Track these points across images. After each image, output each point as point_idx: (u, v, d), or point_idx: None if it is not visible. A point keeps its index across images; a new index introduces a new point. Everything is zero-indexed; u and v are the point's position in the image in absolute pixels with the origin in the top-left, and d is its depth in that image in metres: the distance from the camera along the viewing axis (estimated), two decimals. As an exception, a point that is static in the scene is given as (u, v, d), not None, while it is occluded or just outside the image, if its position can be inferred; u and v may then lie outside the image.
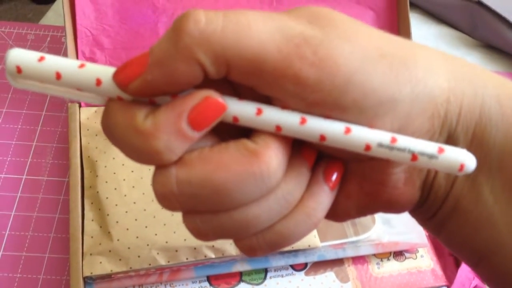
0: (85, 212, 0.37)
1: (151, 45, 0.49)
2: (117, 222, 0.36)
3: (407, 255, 0.39)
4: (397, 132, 0.18)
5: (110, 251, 0.35)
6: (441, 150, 0.17)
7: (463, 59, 0.21)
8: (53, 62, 0.17)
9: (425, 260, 0.39)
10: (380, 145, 0.17)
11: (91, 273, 0.34)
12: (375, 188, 0.20)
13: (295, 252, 0.37)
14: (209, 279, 0.36)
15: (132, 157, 0.18)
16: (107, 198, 0.37)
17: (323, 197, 0.19)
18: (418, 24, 0.58)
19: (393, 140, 0.17)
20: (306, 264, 0.38)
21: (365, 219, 0.39)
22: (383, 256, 0.39)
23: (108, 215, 0.36)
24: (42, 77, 0.17)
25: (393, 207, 0.20)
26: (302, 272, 0.38)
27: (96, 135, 0.41)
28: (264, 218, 0.18)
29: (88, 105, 0.43)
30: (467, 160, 0.17)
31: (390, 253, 0.39)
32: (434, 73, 0.18)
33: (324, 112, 0.17)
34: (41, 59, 0.17)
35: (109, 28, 0.44)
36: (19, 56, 0.17)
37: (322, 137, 0.17)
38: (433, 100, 0.18)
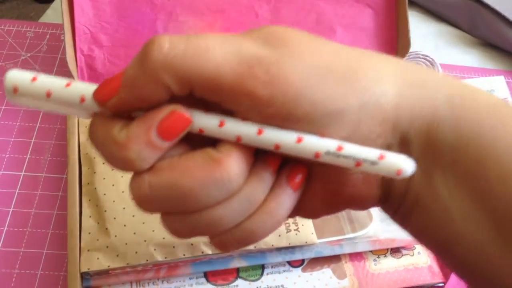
0: (83, 208, 0.37)
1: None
2: (114, 218, 0.36)
3: (404, 251, 0.39)
4: (347, 138, 0.19)
5: (107, 247, 0.35)
6: (381, 157, 0.19)
7: (413, 64, 0.22)
8: (44, 82, 0.20)
9: (422, 256, 0.39)
10: (328, 153, 0.19)
11: (88, 268, 0.34)
12: (337, 188, 0.22)
13: (292, 248, 0.37)
14: (206, 275, 0.37)
15: (111, 164, 0.20)
16: (104, 194, 0.37)
17: (285, 198, 0.21)
18: (418, 22, 0.57)
19: (339, 148, 0.19)
20: (303, 261, 0.38)
21: (362, 216, 0.39)
22: (380, 252, 0.39)
23: (105, 211, 0.37)
24: (35, 95, 0.20)
25: (356, 204, 0.23)
26: (299, 269, 0.38)
27: None
28: (229, 218, 0.20)
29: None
30: (404, 165, 0.19)
31: (387, 249, 0.39)
32: (382, 82, 0.20)
33: (279, 123, 0.19)
34: (34, 79, 0.20)
35: (107, 25, 0.44)
36: (15, 77, 0.20)
37: (277, 146, 0.19)
38: (382, 107, 0.20)
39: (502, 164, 0.19)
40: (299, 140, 0.19)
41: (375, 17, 0.47)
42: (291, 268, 0.38)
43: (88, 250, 0.35)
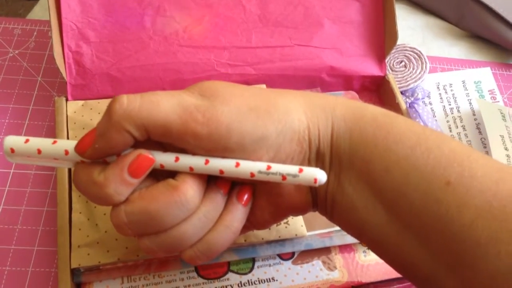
0: (73, 204, 0.37)
1: (138, 37, 0.48)
2: (104, 214, 0.36)
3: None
4: (274, 158, 0.26)
5: (98, 242, 0.35)
6: (300, 170, 0.25)
7: (318, 93, 0.31)
8: (35, 142, 0.25)
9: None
10: (260, 172, 0.25)
11: (79, 264, 0.34)
12: (278, 199, 0.28)
13: (282, 241, 0.37)
14: (197, 269, 0.37)
15: (94, 201, 0.26)
16: None
17: (237, 212, 0.27)
18: (405, 15, 0.58)
19: (268, 167, 0.25)
20: (293, 253, 0.38)
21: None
22: (369, 244, 0.39)
23: (95, 207, 0.37)
24: (29, 153, 0.25)
25: (296, 210, 0.29)
26: (290, 261, 0.38)
27: (83, 128, 0.41)
28: (191, 233, 0.26)
29: (76, 98, 0.43)
30: (318, 175, 0.25)
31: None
32: (293, 112, 0.26)
33: (220, 154, 0.25)
34: (26, 141, 0.25)
35: (94, 21, 0.44)
36: (11, 141, 0.25)
37: (221, 171, 0.25)
38: (296, 130, 0.26)
39: (383, 158, 0.25)
40: (237, 165, 0.25)
41: (362, 10, 0.47)
42: (282, 261, 0.38)
43: (79, 246, 0.35)
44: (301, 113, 0.26)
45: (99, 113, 0.41)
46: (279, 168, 0.25)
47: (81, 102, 0.42)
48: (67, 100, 0.42)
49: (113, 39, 0.44)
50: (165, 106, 0.24)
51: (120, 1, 0.44)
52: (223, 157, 0.25)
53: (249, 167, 0.25)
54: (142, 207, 0.25)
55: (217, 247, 0.27)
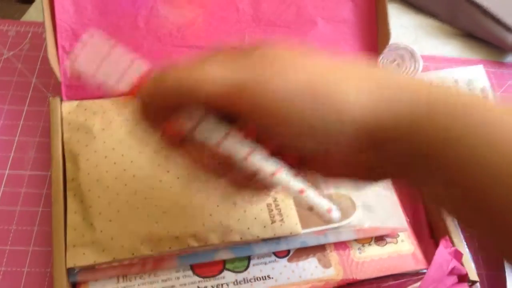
0: (68, 204, 0.37)
1: (132, 38, 0.48)
2: (100, 213, 0.36)
3: (388, 239, 0.40)
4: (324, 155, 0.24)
5: (93, 242, 0.35)
6: (329, 211, 0.26)
7: (389, 74, 0.24)
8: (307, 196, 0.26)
9: (405, 244, 0.39)
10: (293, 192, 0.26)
11: (74, 264, 0.34)
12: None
13: (278, 239, 0.38)
14: (192, 268, 0.37)
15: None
16: (89, 190, 0.37)
17: None
18: (398, 14, 0.58)
19: (301, 191, 0.26)
20: (288, 251, 0.38)
21: (346, 205, 0.40)
22: (364, 241, 0.39)
23: (90, 207, 0.37)
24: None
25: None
26: (285, 259, 0.38)
27: (78, 129, 0.41)
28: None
29: (70, 99, 0.43)
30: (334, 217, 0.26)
31: (371, 238, 0.39)
32: (358, 99, 0.22)
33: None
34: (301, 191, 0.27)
35: (88, 22, 0.44)
36: None
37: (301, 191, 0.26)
38: (358, 123, 0.22)
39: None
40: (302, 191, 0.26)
41: (355, 9, 0.47)
42: (277, 259, 0.38)
43: (74, 246, 0.35)
44: (366, 101, 0.22)
45: (94, 113, 0.41)
46: (310, 197, 0.26)
47: (75, 103, 0.42)
48: (61, 100, 0.42)
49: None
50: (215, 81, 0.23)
51: (114, 2, 0.44)
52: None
53: (312, 199, 0.26)
54: None
55: None
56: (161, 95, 0.24)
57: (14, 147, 0.43)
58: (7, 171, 0.41)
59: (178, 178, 0.39)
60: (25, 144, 0.43)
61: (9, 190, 0.40)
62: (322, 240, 0.38)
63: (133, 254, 0.35)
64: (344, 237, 0.39)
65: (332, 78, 0.22)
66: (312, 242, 0.38)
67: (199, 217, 0.37)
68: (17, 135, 0.43)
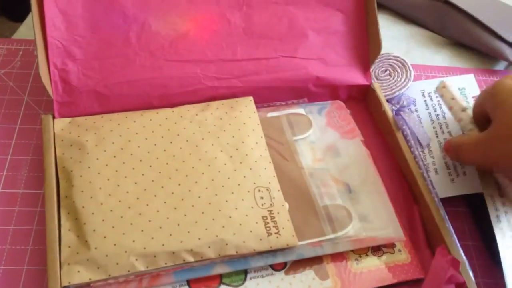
0: (62, 222, 0.37)
1: (124, 53, 0.49)
2: (94, 230, 0.36)
3: (384, 250, 0.39)
4: None
5: (88, 259, 0.35)
6: None
7: None
8: None
9: (402, 254, 0.39)
10: None
11: (69, 282, 0.34)
12: None
13: (274, 252, 0.37)
14: (189, 283, 0.36)
15: None
16: (83, 207, 0.37)
17: None
18: (389, 25, 0.59)
19: None
20: (285, 264, 0.38)
21: (342, 216, 0.40)
22: (361, 252, 0.39)
23: (84, 224, 0.36)
24: None
25: None
26: (282, 272, 0.38)
27: (71, 145, 0.40)
28: None
29: (62, 115, 0.43)
30: None
31: (368, 248, 0.39)
32: None
33: None
34: None
35: (80, 38, 0.44)
36: None
37: None
38: None
39: None
40: None
41: (346, 21, 0.48)
42: (274, 272, 0.38)
43: (69, 264, 0.35)
44: None
45: (86, 130, 0.41)
46: None
47: (68, 120, 0.42)
48: (54, 118, 0.42)
49: (99, 55, 0.44)
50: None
51: (105, 18, 0.45)
52: None
53: None
54: None
55: None
56: None
57: (6, 166, 0.42)
58: (0, 190, 0.41)
59: (172, 193, 0.38)
60: (18, 162, 0.43)
61: (2, 209, 0.40)
62: (319, 252, 0.38)
63: (128, 271, 0.35)
64: (341, 248, 0.38)
65: None
66: (309, 254, 0.38)
67: (194, 232, 0.37)
68: (10, 154, 0.43)
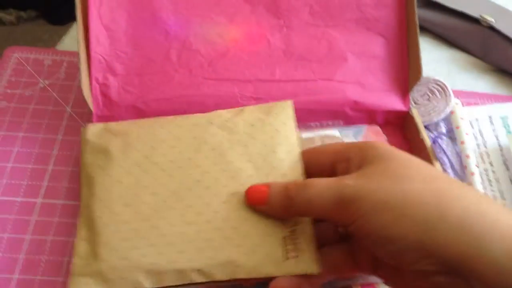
0: (78, 231, 0.36)
1: (164, 70, 0.49)
2: (106, 242, 0.35)
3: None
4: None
5: (96, 272, 0.34)
6: None
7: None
8: None
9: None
10: None
11: None
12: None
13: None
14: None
15: None
16: (99, 217, 0.36)
17: None
18: (430, 48, 0.58)
19: None
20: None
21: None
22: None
23: (98, 234, 0.35)
24: None
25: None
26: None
27: (98, 151, 0.39)
28: None
29: (99, 120, 0.43)
30: None
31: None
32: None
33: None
34: None
35: (122, 54, 0.45)
36: None
37: None
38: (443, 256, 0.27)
39: None
40: None
41: (387, 45, 0.47)
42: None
43: (78, 275, 0.34)
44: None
45: (115, 136, 0.40)
46: None
47: (101, 125, 0.41)
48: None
49: (140, 71, 0.45)
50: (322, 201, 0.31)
51: (147, 35, 0.45)
52: None
53: None
54: None
55: None
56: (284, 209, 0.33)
57: (48, 176, 0.44)
58: (40, 200, 0.42)
59: (190, 206, 0.37)
60: (59, 174, 0.44)
61: (42, 219, 0.41)
62: (349, 281, 0.38)
63: (134, 287, 0.34)
64: (371, 278, 0.38)
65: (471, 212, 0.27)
66: (340, 283, 0.37)
67: (205, 250, 0.35)
68: (51, 164, 0.44)
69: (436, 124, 0.48)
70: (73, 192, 0.43)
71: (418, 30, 0.45)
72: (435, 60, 0.57)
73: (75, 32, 0.54)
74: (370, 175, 0.30)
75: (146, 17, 0.45)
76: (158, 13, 0.45)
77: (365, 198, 0.29)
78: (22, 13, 1.50)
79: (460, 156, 0.45)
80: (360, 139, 0.46)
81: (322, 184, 0.31)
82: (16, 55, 0.52)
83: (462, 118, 0.44)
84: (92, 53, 0.44)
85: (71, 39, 0.55)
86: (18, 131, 0.46)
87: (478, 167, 0.45)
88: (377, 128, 0.47)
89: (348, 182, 0.30)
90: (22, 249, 0.39)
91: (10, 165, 0.44)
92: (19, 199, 0.42)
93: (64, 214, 0.41)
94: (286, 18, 0.47)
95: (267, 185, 0.34)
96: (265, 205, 0.34)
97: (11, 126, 0.46)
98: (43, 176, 0.44)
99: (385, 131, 0.47)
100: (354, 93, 0.46)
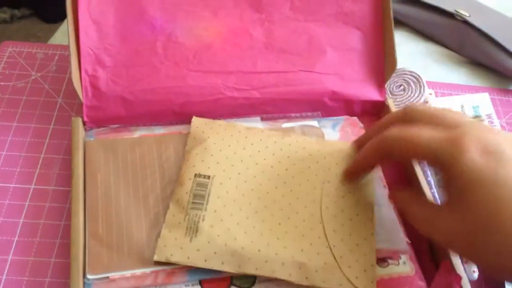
0: (171, 206, 0.40)
1: (150, 62, 0.51)
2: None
3: (390, 261, 0.41)
4: None
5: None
6: None
7: None
8: None
9: (407, 266, 0.41)
10: None
11: (91, 274, 0.37)
12: None
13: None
14: (201, 282, 0.39)
15: None
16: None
17: None
18: (406, 41, 0.60)
19: None
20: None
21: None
22: (367, 262, 0.41)
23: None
24: None
25: None
26: (290, 277, 0.40)
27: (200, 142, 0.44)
28: None
29: (91, 119, 0.46)
30: None
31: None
32: None
33: None
34: None
35: (110, 47, 0.47)
36: None
37: None
38: None
39: None
40: None
41: (364, 38, 0.49)
42: (282, 276, 0.39)
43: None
44: None
45: (223, 140, 0.44)
46: None
47: (205, 120, 0.46)
48: (83, 120, 0.45)
49: (127, 63, 0.47)
50: None
51: (134, 29, 0.47)
52: None
53: None
54: None
55: None
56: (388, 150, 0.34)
57: (40, 164, 0.46)
58: (32, 186, 0.44)
59: (281, 209, 0.40)
60: (50, 161, 0.46)
61: (34, 204, 0.43)
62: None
63: (222, 263, 0.37)
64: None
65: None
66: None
67: (289, 249, 0.38)
68: (43, 152, 0.46)
69: (412, 114, 0.50)
70: (63, 178, 0.45)
71: (392, 24, 0.48)
72: (411, 53, 0.59)
73: (65, 27, 0.57)
74: (461, 221, 0.30)
75: (133, 12, 0.47)
76: (145, 8, 0.47)
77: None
78: (16, 11, 1.51)
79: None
80: (338, 130, 0.49)
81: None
82: (10, 49, 0.54)
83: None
84: (82, 46, 0.46)
85: (62, 34, 0.57)
86: (11, 121, 0.48)
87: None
88: (354, 120, 0.49)
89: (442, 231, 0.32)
90: (16, 232, 0.41)
91: (4, 153, 0.46)
92: (12, 185, 0.44)
93: (54, 200, 0.44)
94: (267, 12, 0.49)
95: None
96: None
97: (4, 116, 0.48)
98: (36, 163, 0.46)
99: (362, 120, 0.50)
100: (333, 84, 0.48)
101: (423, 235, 0.34)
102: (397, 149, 0.33)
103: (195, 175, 0.41)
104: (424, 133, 0.31)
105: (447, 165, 0.30)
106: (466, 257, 0.32)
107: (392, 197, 0.40)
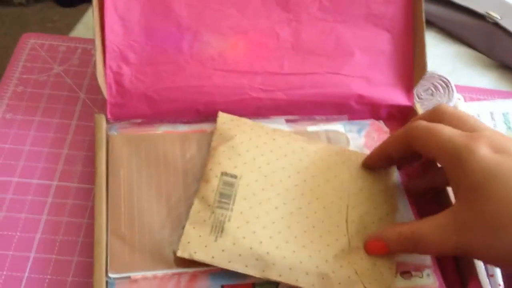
0: (194, 204, 0.40)
1: (175, 60, 0.51)
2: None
3: (413, 273, 0.41)
4: None
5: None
6: None
7: None
8: None
9: (431, 278, 0.40)
10: None
11: (114, 273, 0.37)
12: None
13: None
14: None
15: None
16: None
17: None
18: (435, 43, 0.59)
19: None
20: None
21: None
22: (392, 273, 0.40)
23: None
24: None
25: None
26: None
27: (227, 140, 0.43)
28: None
29: (114, 116, 0.45)
30: None
31: (396, 272, 0.40)
32: None
33: None
34: None
35: (135, 44, 0.46)
36: None
37: None
38: None
39: None
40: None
41: (393, 41, 0.48)
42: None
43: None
44: None
45: (250, 140, 0.43)
46: None
47: (230, 117, 0.46)
48: (106, 117, 0.45)
49: (152, 61, 0.47)
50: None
51: (160, 26, 0.47)
52: None
53: None
54: None
55: None
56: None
57: (62, 160, 0.45)
58: (55, 183, 0.44)
59: (307, 217, 0.40)
60: (73, 158, 0.46)
61: (57, 201, 0.43)
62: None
63: (246, 266, 0.37)
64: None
65: None
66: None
67: (314, 258, 0.37)
68: (66, 148, 0.46)
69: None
70: (86, 176, 0.45)
71: (424, 27, 0.46)
72: (440, 55, 0.58)
73: (87, 19, 0.56)
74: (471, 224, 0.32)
75: (159, 9, 0.46)
76: (171, 5, 0.47)
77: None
78: (32, -6, 1.51)
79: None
80: (363, 135, 0.48)
81: (432, 242, 0.34)
82: (32, 41, 0.53)
83: None
84: (107, 42, 0.46)
85: (84, 26, 0.56)
86: (34, 116, 0.48)
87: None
88: (380, 125, 0.48)
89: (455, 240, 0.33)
90: (39, 229, 0.41)
91: (27, 148, 0.46)
92: (35, 181, 0.44)
93: (77, 197, 0.43)
94: (295, 12, 0.48)
95: (382, 238, 0.37)
96: (388, 253, 0.38)
97: (28, 110, 0.48)
98: (58, 159, 0.45)
99: (388, 125, 0.49)
100: (360, 87, 0.48)
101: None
102: (420, 139, 0.35)
103: (222, 173, 0.41)
104: (447, 129, 0.34)
105: (464, 161, 0.32)
106: (485, 253, 0.32)
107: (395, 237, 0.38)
